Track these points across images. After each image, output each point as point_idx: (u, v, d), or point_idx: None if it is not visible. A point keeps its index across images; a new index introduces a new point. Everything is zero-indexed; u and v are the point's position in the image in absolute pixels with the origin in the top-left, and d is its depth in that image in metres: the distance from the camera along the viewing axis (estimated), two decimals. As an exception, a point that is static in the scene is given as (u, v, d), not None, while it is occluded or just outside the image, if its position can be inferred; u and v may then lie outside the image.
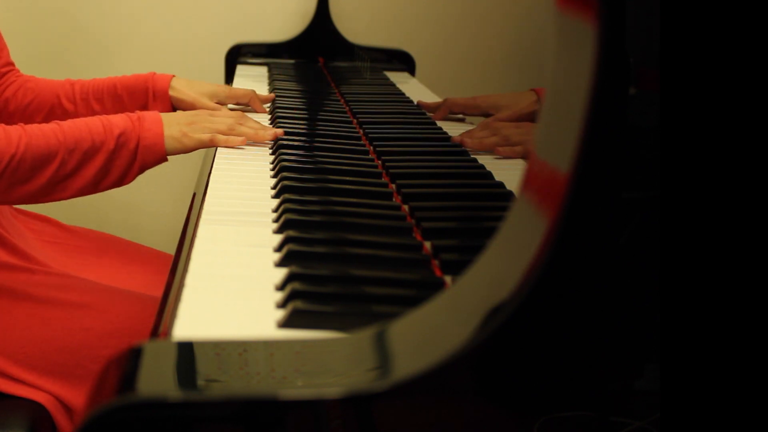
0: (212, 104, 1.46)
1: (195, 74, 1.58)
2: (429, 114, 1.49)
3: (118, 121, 1.14)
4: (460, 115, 1.47)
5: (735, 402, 0.54)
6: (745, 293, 0.54)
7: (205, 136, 1.19)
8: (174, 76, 1.48)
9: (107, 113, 1.40)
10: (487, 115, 1.43)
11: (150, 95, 1.45)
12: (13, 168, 1.05)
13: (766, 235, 0.54)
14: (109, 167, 1.12)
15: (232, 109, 1.45)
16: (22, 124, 1.09)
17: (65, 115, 1.43)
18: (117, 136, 1.12)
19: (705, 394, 0.55)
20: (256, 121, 1.29)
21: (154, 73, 1.47)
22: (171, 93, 1.45)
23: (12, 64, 1.45)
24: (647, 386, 0.62)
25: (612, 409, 0.63)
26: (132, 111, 1.40)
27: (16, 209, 1.35)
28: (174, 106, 1.47)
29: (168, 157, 1.17)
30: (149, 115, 1.16)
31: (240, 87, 1.55)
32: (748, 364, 0.54)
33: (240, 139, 1.22)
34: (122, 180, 1.14)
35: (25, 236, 1.28)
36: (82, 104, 1.44)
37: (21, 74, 1.46)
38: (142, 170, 1.15)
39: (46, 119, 1.42)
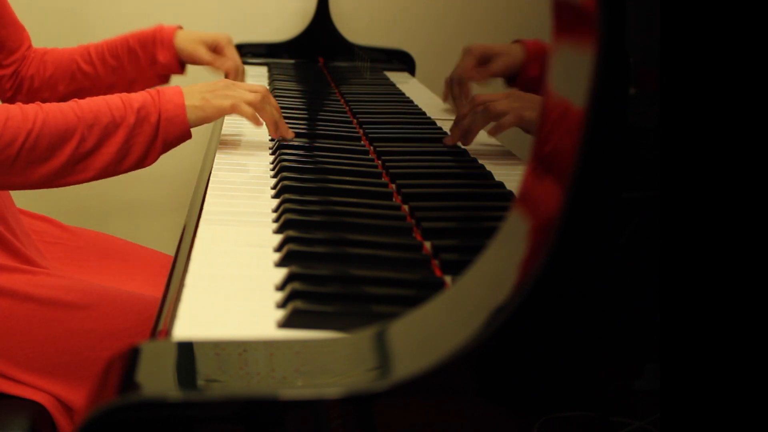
0: (210, 57, 1.49)
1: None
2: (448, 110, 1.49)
3: (138, 96, 1.12)
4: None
5: (735, 402, 0.55)
6: (745, 293, 0.54)
7: (226, 102, 1.16)
8: (179, 27, 1.52)
9: (123, 68, 1.47)
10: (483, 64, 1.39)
11: (158, 42, 1.48)
12: (30, 146, 1.03)
13: (766, 235, 0.54)
14: (130, 143, 1.09)
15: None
16: (39, 102, 1.08)
17: (86, 78, 1.47)
18: (137, 110, 1.09)
19: (705, 394, 0.55)
20: (277, 108, 1.26)
21: (162, 25, 1.52)
22: (175, 41, 1.49)
23: (29, 40, 1.47)
24: (647, 386, 0.62)
25: (612, 409, 0.63)
26: (145, 62, 1.47)
27: (18, 210, 1.35)
28: (178, 55, 1.50)
29: (191, 132, 1.15)
30: (169, 89, 1.15)
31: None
32: (748, 364, 0.54)
33: (261, 121, 1.20)
34: (146, 157, 1.11)
35: (30, 237, 1.28)
36: (99, 64, 1.47)
37: (36, 49, 1.48)
38: (165, 146, 1.12)
39: (69, 86, 1.46)
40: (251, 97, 1.19)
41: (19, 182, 1.07)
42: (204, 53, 1.50)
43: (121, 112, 1.09)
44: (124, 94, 1.12)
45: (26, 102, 1.43)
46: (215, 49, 1.53)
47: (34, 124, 1.03)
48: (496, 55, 1.36)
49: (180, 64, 1.52)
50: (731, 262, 0.55)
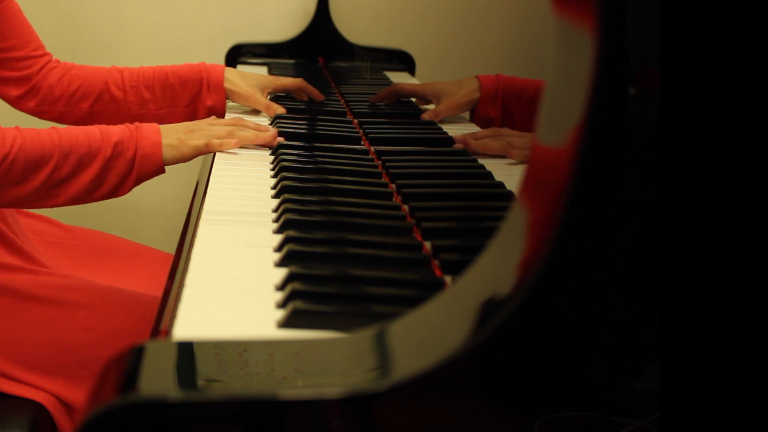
0: (266, 102, 1.46)
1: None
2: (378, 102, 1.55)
3: (116, 129, 1.13)
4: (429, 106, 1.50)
5: (735, 402, 0.54)
6: (745, 293, 0.54)
7: (201, 142, 1.18)
8: (225, 66, 1.49)
9: (157, 102, 1.44)
10: (429, 101, 1.49)
11: (204, 85, 1.45)
12: (5, 168, 1.05)
13: (766, 235, 0.54)
14: (105, 175, 1.11)
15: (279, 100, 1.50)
16: (18, 126, 1.08)
17: (112, 102, 1.44)
18: (114, 144, 1.11)
19: (705, 394, 0.55)
20: (254, 124, 1.27)
21: (206, 64, 1.48)
22: (226, 85, 1.46)
23: (44, 48, 1.44)
24: (647, 386, 0.62)
25: (612, 409, 0.63)
26: (183, 101, 1.45)
27: (17, 210, 1.35)
28: (228, 98, 1.47)
29: (165, 168, 1.15)
30: (147, 125, 1.16)
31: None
32: (748, 364, 0.54)
33: (233, 141, 1.20)
34: (117, 190, 1.13)
35: (28, 237, 1.28)
36: (131, 91, 1.44)
37: (60, 61, 1.46)
38: (138, 181, 1.14)
39: (93, 106, 1.43)
40: (222, 133, 1.21)
41: None
42: (261, 97, 1.48)
43: (98, 144, 1.10)
44: (103, 126, 1.13)
45: (37, 109, 1.44)
46: (273, 91, 1.53)
47: (11, 148, 1.05)
48: (445, 98, 1.44)
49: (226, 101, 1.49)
50: (731, 262, 0.55)
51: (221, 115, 1.46)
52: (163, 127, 1.16)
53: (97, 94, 1.43)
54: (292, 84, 1.55)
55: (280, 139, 1.25)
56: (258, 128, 1.26)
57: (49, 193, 1.09)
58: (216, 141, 1.19)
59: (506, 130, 1.29)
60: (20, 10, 1.41)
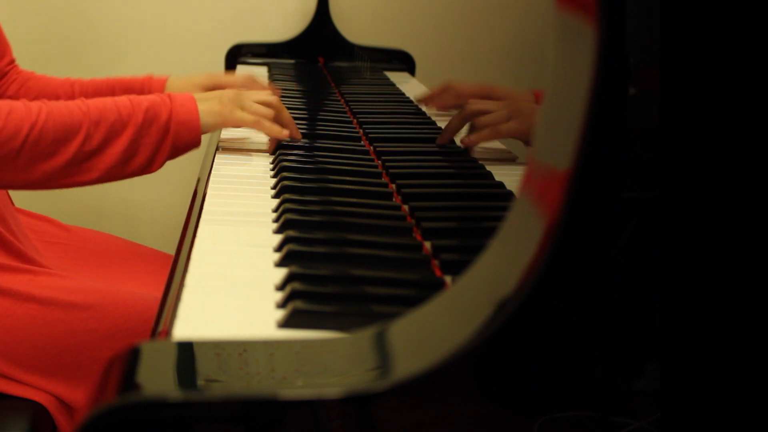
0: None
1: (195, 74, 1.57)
2: (424, 107, 1.49)
3: (146, 97, 1.10)
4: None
5: (735, 402, 0.55)
6: (745, 293, 0.54)
7: (249, 117, 1.14)
8: (169, 76, 1.45)
9: None
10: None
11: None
12: (34, 139, 1.01)
13: (766, 235, 0.54)
14: (138, 143, 1.07)
15: None
16: (44, 99, 1.06)
17: None
18: (145, 110, 1.07)
19: (705, 394, 0.55)
20: (289, 116, 1.24)
21: (151, 77, 1.44)
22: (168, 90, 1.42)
23: (13, 61, 1.43)
24: (647, 386, 0.62)
25: (612, 409, 0.63)
26: None
27: (17, 209, 1.35)
28: None
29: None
30: (180, 94, 1.12)
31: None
32: (748, 364, 0.54)
33: (285, 131, 1.18)
34: (153, 160, 1.09)
35: (28, 237, 1.28)
36: None
37: (21, 71, 1.44)
38: (174, 151, 1.10)
39: None
40: (266, 112, 1.17)
41: (21, 180, 1.05)
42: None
43: (128, 111, 1.07)
44: (133, 95, 1.10)
45: None
46: (215, 89, 1.43)
47: (38, 117, 1.01)
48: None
49: None
50: (731, 262, 0.55)
51: None
52: (198, 96, 1.13)
53: None
54: (233, 83, 1.42)
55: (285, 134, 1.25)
56: (289, 122, 1.23)
57: (82, 167, 1.05)
58: (267, 123, 1.15)
59: (480, 105, 1.22)
60: None
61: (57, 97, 1.41)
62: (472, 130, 1.24)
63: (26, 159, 1.02)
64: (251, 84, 1.45)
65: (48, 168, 1.04)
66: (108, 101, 1.07)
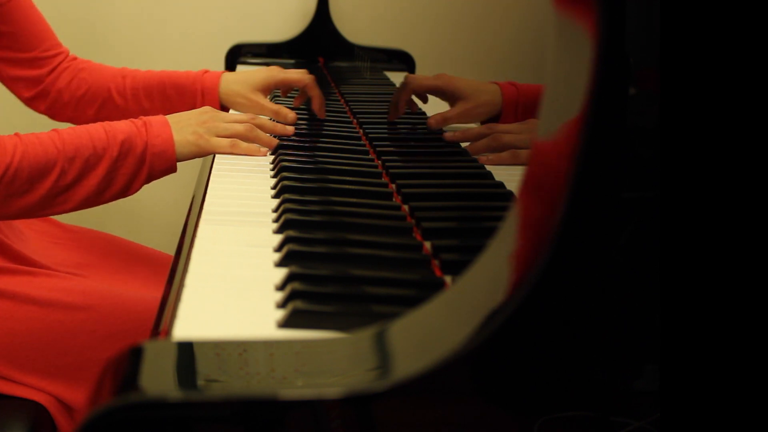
0: (270, 106, 1.37)
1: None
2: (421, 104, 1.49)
3: (123, 126, 1.10)
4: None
5: (735, 402, 0.54)
6: (745, 293, 0.54)
7: (224, 141, 1.15)
8: (224, 72, 1.44)
9: (156, 111, 1.39)
10: (447, 97, 1.36)
11: (198, 97, 1.42)
12: (9, 179, 1.02)
13: (766, 235, 0.54)
14: (113, 175, 1.08)
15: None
16: (18, 132, 1.07)
17: (116, 109, 1.43)
18: (120, 143, 1.08)
19: (705, 394, 0.55)
20: (270, 123, 1.24)
21: (206, 72, 1.44)
22: (222, 97, 1.41)
23: (59, 46, 1.43)
24: (647, 386, 0.62)
25: (612, 409, 0.63)
26: (180, 110, 1.35)
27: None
28: (222, 105, 1.42)
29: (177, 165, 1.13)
30: (156, 120, 1.13)
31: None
32: (748, 364, 0.54)
33: (264, 149, 1.18)
34: (127, 189, 1.11)
35: (26, 237, 1.28)
36: (132, 100, 1.43)
37: (75, 60, 1.45)
38: (149, 179, 1.12)
39: (98, 113, 1.42)
40: (242, 129, 1.18)
41: None
42: (264, 101, 1.40)
43: (103, 144, 1.07)
44: (107, 124, 1.10)
45: (49, 112, 1.43)
46: (276, 87, 1.44)
47: (12, 158, 1.02)
48: (463, 101, 1.32)
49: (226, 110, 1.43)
50: (731, 262, 0.55)
51: None
52: (172, 120, 1.13)
53: (101, 102, 1.43)
54: (299, 80, 1.40)
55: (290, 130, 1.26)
56: (273, 128, 1.23)
57: (57, 200, 1.07)
58: (243, 144, 1.16)
59: (501, 127, 1.20)
60: (32, 8, 1.39)
61: (108, 90, 1.43)
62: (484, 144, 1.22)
63: (1, 197, 1.03)
64: (308, 79, 1.41)
65: (23, 204, 1.05)
66: (83, 134, 1.08)
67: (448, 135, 1.26)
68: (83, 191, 1.08)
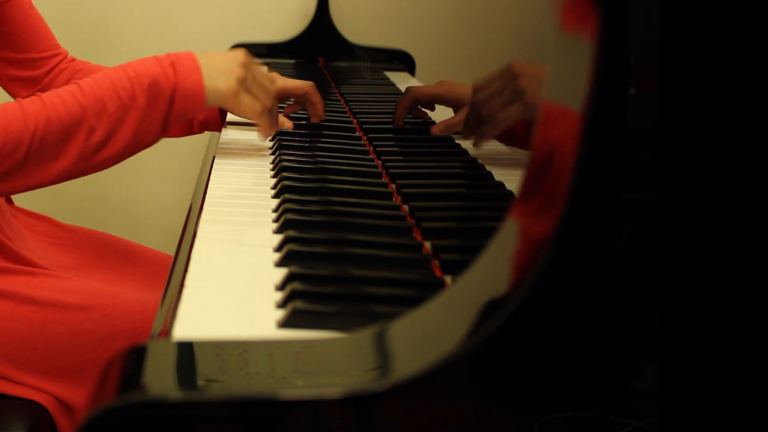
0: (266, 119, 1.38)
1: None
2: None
3: (148, 68, 1.06)
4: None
5: (735, 402, 0.55)
6: (744, 293, 0.54)
7: (253, 106, 1.10)
8: None
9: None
10: (450, 105, 1.36)
11: None
12: (36, 147, 1.00)
13: (766, 235, 0.54)
14: (145, 123, 1.04)
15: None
16: (39, 93, 1.04)
17: None
18: (147, 88, 1.04)
19: (705, 394, 0.55)
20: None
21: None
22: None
23: (57, 47, 1.42)
24: (647, 386, 0.62)
25: (612, 409, 0.63)
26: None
27: (17, 209, 1.35)
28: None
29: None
30: (185, 59, 1.08)
31: None
32: (748, 364, 0.54)
33: (273, 130, 1.16)
34: (163, 132, 1.07)
35: (25, 237, 1.28)
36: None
37: (74, 61, 1.44)
38: (180, 119, 1.07)
39: None
40: (269, 102, 1.13)
41: (36, 182, 1.03)
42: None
43: (129, 93, 1.04)
44: (130, 67, 1.07)
45: None
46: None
47: (36, 125, 1.00)
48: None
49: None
50: (731, 262, 0.55)
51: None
52: (203, 63, 1.08)
53: None
54: (299, 87, 1.35)
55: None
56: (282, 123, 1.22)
57: (94, 158, 1.03)
58: (266, 119, 1.12)
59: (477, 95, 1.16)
60: (31, 8, 1.38)
61: None
62: (477, 124, 1.19)
63: (33, 166, 1.01)
64: (308, 86, 1.38)
65: (58, 168, 1.02)
66: (106, 84, 1.04)
67: (434, 130, 1.25)
68: (119, 144, 1.04)
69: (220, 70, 1.08)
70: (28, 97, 1.39)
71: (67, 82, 1.39)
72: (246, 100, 1.11)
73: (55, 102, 1.02)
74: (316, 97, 1.36)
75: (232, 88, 1.08)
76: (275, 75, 1.44)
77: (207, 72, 1.07)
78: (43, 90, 1.39)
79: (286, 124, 1.24)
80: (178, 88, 1.05)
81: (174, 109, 1.06)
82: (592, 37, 0.54)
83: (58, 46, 1.44)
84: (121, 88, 1.04)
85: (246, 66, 1.12)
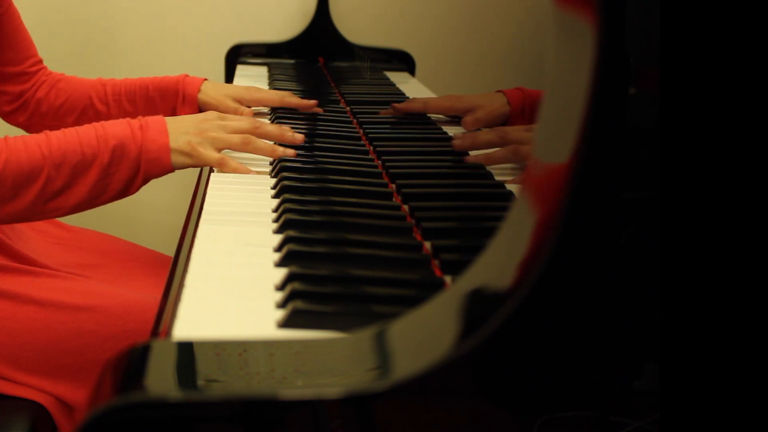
0: (234, 105, 1.41)
1: (195, 74, 1.57)
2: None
3: (117, 130, 1.07)
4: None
5: (735, 402, 0.54)
6: (744, 293, 0.54)
7: (214, 155, 1.10)
8: (206, 79, 1.46)
9: (138, 114, 1.38)
10: (460, 115, 1.39)
11: (180, 98, 1.43)
12: None
13: (766, 235, 0.54)
14: (106, 181, 1.06)
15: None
16: (6, 136, 1.05)
17: (97, 116, 1.42)
18: (113, 149, 1.05)
19: (705, 394, 0.55)
20: (275, 128, 1.19)
21: (186, 76, 1.45)
22: (199, 96, 1.43)
23: (41, 62, 1.43)
24: (647, 386, 0.62)
25: (612, 409, 0.63)
26: (163, 113, 1.35)
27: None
28: (201, 108, 1.44)
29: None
30: (153, 122, 1.09)
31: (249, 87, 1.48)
32: (748, 364, 0.54)
33: (254, 169, 1.12)
34: (125, 192, 1.09)
35: (27, 237, 1.28)
36: (114, 105, 1.42)
37: (51, 73, 1.44)
38: (146, 182, 1.09)
39: (78, 120, 1.41)
40: (237, 140, 1.12)
41: None
42: (230, 103, 1.42)
43: (93, 150, 1.05)
44: (100, 126, 1.08)
45: (27, 122, 1.42)
46: (240, 103, 1.44)
47: None
48: (480, 109, 1.34)
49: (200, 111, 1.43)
50: (731, 262, 0.55)
51: None
52: (171, 125, 1.10)
53: (81, 109, 1.42)
54: (270, 100, 1.44)
55: (299, 138, 1.20)
56: (281, 134, 1.18)
57: (48, 206, 1.05)
58: (232, 163, 1.11)
59: (514, 135, 1.19)
60: (21, 22, 1.38)
61: (89, 98, 1.42)
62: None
63: None
64: (285, 101, 1.43)
65: (10, 210, 1.04)
66: (73, 138, 1.05)
67: (456, 143, 1.25)
68: (75, 197, 1.06)
69: (184, 132, 1.10)
70: (11, 111, 1.40)
71: (48, 92, 1.40)
72: (206, 155, 1.10)
73: (18, 146, 1.03)
74: (293, 100, 1.42)
75: (195, 149, 1.09)
76: (254, 88, 1.46)
77: (173, 136, 1.09)
78: (26, 104, 1.40)
79: (289, 152, 1.16)
80: (144, 150, 1.07)
81: (140, 171, 1.07)
82: (593, 38, 0.54)
83: (41, 60, 1.44)
84: (87, 144, 1.05)
85: (212, 125, 1.13)
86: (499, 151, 1.17)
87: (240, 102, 1.44)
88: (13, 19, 1.36)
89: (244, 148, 1.14)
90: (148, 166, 1.08)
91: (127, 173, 1.07)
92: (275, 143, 1.17)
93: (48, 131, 1.07)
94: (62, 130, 1.08)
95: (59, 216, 1.08)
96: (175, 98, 1.43)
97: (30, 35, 1.42)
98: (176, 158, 1.09)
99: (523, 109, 1.30)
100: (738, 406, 0.54)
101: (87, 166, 1.05)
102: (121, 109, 1.42)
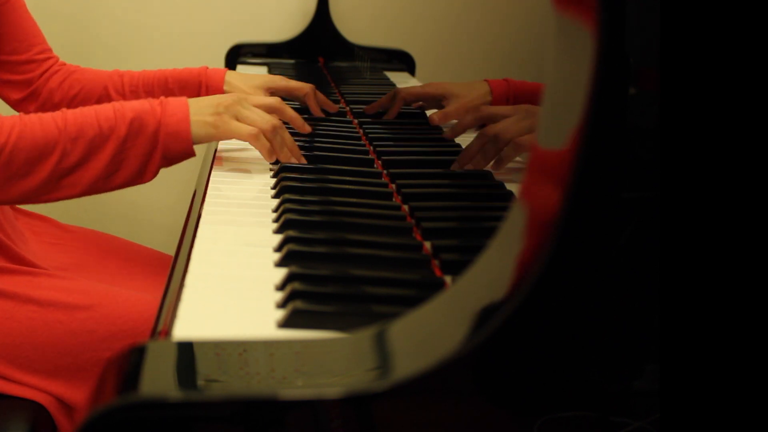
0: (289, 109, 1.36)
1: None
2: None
3: (135, 104, 1.04)
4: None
5: (735, 402, 0.54)
6: (744, 293, 0.54)
7: (245, 129, 1.07)
8: (228, 69, 1.44)
9: None
10: (438, 103, 1.40)
11: (203, 90, 1.40)
12: (4, 161, 0.98)
13: (766, 235, 0.54)
14: (122, 157, 1.02)
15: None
16: (21, 113, 1.03)
17: None
18: (130, 121, 1.02)
19: (705, 394, 0.55)
20: (296, 116, 1.20)
21: (207, 67, 1.43)
22: (225, 88, 1.40)
23: (50, 51, 1.42)
24: (647, 386, 0.62)
25: (612, 409, 0.63)
26: None
27: (17, 209, 1.35)
28: None
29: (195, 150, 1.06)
30: (174, 99, 1.06)
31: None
32: (748, 364, 0.54)
33: (283, 155, 1.10)
34: (143, 171, 1.04)
35: (26, 238, 1.28)
36: (131, 96, 1.40)
37: (65, 64, 1.43)
38: (166, 161, 1.05)
39: None
40: (267, 125, 1.09)
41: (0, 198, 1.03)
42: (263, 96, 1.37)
43: (110, 123, 1.02)
44: (118, 103, 1.05)
45: (39, 111, 1.41)
46: (273, 94, 1.41)
47: (8, 138, 0.98)
48: (455, 99, 1.36)
49: None
50: (731, 262, 0.55)
51: None
52: (193, 101, 1.07)
53: (96, 99, 1.40)
54: (300, 88, 1.41)
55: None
56: (299, 119, 1.19)
57: (61, 183, 1.02)
58: (263, 139, 1.07)
59: (498, 126, 1.16)
60: (26, 11, 1.38)
61: (104, 89, 1.40)
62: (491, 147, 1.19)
63: (1, 178, 0.99)
64: (308, 88, 1.42)
65: (25, 187, 1.01)
66: (90, 113, 1.03)
67: (432, 118, 1.26)
68: (90, 174, 1.02)
69: (207, 105, 1.07)
70: (21, 99, 1.39)
71: (61, 83, 1.39)
72: (234, 125, 1.08)
73: (33, 121, 1.01)
74: (310, 102, 1.41)
75: (221, 117, 1.06)
76: (279, 77, 1.45)
77: (194, 109, 1.06)
78: (36, 92, 1.40)
79: (298, 157, 1.15)
80: (163, 124, 1.03)
81: (158, 146, 1.04)
82: (593, 38, 0.54)
83: (50, 50, 1.43)
84: (104, 118, 1.03)
85: (236, 98, 1.11)
86: (465, 120, 1.20)
87: (272, 92, 1.41)
88: (16, 8, 1.35)
89: (271, 134, 1.10)
90: (167, 140, 1.03)
91: (144, 148, 1.03)
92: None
93: (64, 110, 1.05)
94: (79, 108, 1.05)
95: (72, 197, 1.04)
96: (197, 90, 1.40)
97: (37, 25, 1.41)
98: (198, 129, 1.05)
99: (507, 100, 1.31)
100: (738, 405, 0.54)
101: (104, 140, 1.01)
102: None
